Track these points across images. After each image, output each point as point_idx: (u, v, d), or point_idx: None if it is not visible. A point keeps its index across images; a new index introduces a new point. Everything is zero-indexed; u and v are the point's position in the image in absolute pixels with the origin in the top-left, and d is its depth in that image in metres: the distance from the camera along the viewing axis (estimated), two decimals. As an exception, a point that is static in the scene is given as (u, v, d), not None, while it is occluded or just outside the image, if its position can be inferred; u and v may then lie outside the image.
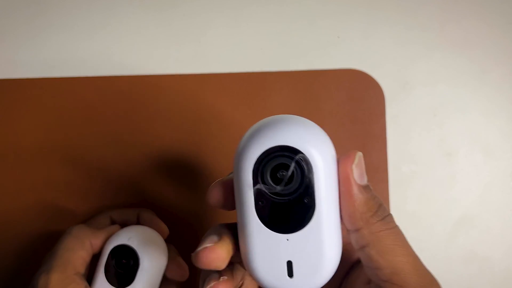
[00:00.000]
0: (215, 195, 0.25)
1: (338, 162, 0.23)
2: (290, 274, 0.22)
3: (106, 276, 0.32)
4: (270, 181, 0.22)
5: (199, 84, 0.38)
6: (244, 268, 0.24)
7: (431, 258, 0.39)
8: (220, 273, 0.25)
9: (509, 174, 0.39)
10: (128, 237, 0.32)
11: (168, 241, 0.35)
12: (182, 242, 0.37)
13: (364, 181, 0.23)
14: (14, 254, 0.37)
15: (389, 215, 0.23)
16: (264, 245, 0.22)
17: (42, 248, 0.37)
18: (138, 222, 0.35)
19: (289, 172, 0.21)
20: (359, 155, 0.23)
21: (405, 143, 0.39)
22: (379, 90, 0.39)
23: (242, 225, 0.23)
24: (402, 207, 0.39)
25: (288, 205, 0.22)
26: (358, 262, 0.26)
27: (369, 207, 0.22)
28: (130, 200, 0.37)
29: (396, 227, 0.22)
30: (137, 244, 0.32)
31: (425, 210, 0.39)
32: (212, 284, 0.25)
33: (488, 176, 0.39)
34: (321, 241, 0.22)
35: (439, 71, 0.40)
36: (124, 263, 0.32)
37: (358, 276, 0.25)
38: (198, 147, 0.38)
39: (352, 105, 0.39)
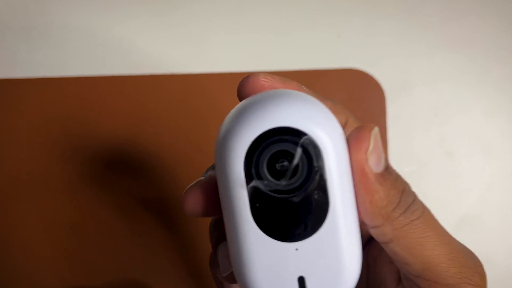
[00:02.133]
0: (192, 201, 0.20)
1: (349, 144, 0.17)
2: None
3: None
4: (268, 175, 0.16)
5: (199, 84, 0.38)
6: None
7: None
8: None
9: (510, 174, 0.39)
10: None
11: (173, 243, 0.35)
12: (187, 245, 0.37)
13: (382, 165, 0.17)
14: (13, 254, 0.37)
15: (414, 201, 0.19)
16: (267, 259, 0.17)
17: (38, 248, 0.37)
18: None
19: (295, 161, 0.16)
20: (374, 133, 0.17)
21: (406, 143, 0.39)
22: (380, 89, 0.39)
23: (234, 236, 0.17)
24: (402, 207, 0.38)
25: (295, 203, 0.17)
26: None
27: (389, 199, 0.18)
28: (130, 199, 0.37)
29: (422, 214, 0.18)
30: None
31: (426, 210, 0.39)
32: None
33: (489, 176, 0.39)
34: (339, 247, 0.17)
35: (440, 71, 0.40)
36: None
37: (381, 252, 0.21)
38: (198, 147, 0.38)
39: (352, 105, 0.39)
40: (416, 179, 0.39)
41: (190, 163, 0.38)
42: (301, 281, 0.17)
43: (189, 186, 0.20)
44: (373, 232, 0.18)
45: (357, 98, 0.39)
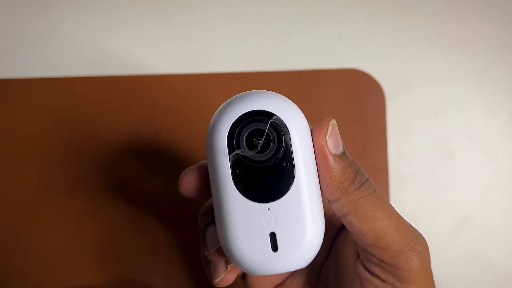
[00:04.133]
0: (187, 182, 0.24)
1: (312, 132, 0.22)
2: (275, 247, 0.21)
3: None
4: (246, 148, 0.21)
5: (199, 84, 0.38)
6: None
7: (432, 259, 0.39)
8: (227, 262, 0.26)
9: (510, 174, 0.39)
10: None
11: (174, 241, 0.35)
12: (187, 242, 0.37)
13: (340, 149, 0.22)
14: (11, 254, 0.37)
15: (367, 180, 0.22)
16: (245, 217, 0.21)
17: (38, 248, 0.37)
18: None
19: (265, 134, 0.21)
20: (332, 123, 0.22)
21: (405, 143, 0.39)
22: (380, 89, 0.39)
23: (218, 200, 0.21)
24: (402, 207, 0.38)
25: (267, 171, 0.21)
26: None
27: (346, 176, 0.22)
28: (130, 199, 0.37)
29: (374, 191, 0.22)
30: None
31: (426, 210, 0.39)
32: (222, 275, 0.26)
33: (489, 176, 0.39)
34: (304, 208, 0.21)
35: (440, 70, 0.40)
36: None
37: (347, 235, 0.25)
38: (198, 147, 0.38)
39: (352, 105, 0.39)
40: (416, 179, 0.39)
41: (190, 163, 0.38)
42: (273, 236, 0.21)
43: (185, 169, 0.24)
44: (334, 207, 0.22)
45: (357, 98, 0.39)
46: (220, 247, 0.23)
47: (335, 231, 0.27)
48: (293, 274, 0.28)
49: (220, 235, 0.22)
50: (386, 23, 0.40)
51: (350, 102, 0.39)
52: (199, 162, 0.25)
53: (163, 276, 0.37)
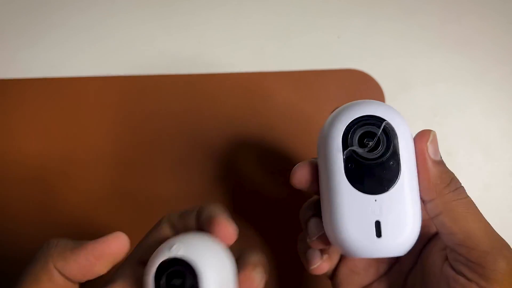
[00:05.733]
0: (300, 174, 0.26)
1: (414, 139, 0.24)
2: (379, 234, 0.23)
3: None
4: (358, 146, 0.24)
5: (199, 84, 0.38)
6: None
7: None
8: (321, 251, 0.28)
9: (509, 174, 0.39)
10: (170, 247, 0.22)
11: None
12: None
13: (438, 157, 0.24)
14: (13, 257, 0.37)
15: (461, 187, 0.24)
16: (354, 206, 0.23)
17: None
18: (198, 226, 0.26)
19: (378, 134, 0.23)
20: (433, 133, 0.24)
21: (405, 143, 0.39)
22: (379, 90, 0.39)
23: (330, 191, 0.24)
24: (402, 207, 0.38)
25: (376, 167, 0.23)
26: (434, 235, 0.28)
27: (442, 179, 0.24)
28: (131, 200, 0.37)
29: (467, 197, 0.24)
30: (191, 253, 0.22)
31: (425, 210, 0.39)
32: (318, 263, 0.28)
33: (488, 176, 0.39)
34: (406, 202, 0.23)
35: (439, 71, 0.40)
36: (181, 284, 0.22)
37: (435, 244, 0.27)
38: (198, 148, 0.38)
39: (352, 105, 0.39)
40: (416, 179, 0.39)
41: (190, 163, 0.38)
42: (378, 224, 0.23)
43: (298, 164, 0.27)
44: (428, 207, 0.24)
45: (356, 98, 0.38)
46: (321, 235, 0.26)
47: (423, 242, 0.28)
48: (380, 278, 0.29)
49: (328, 222, 0.24)
50: (385, 23, 0.40)
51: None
52: (310, 159, 0.27)
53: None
